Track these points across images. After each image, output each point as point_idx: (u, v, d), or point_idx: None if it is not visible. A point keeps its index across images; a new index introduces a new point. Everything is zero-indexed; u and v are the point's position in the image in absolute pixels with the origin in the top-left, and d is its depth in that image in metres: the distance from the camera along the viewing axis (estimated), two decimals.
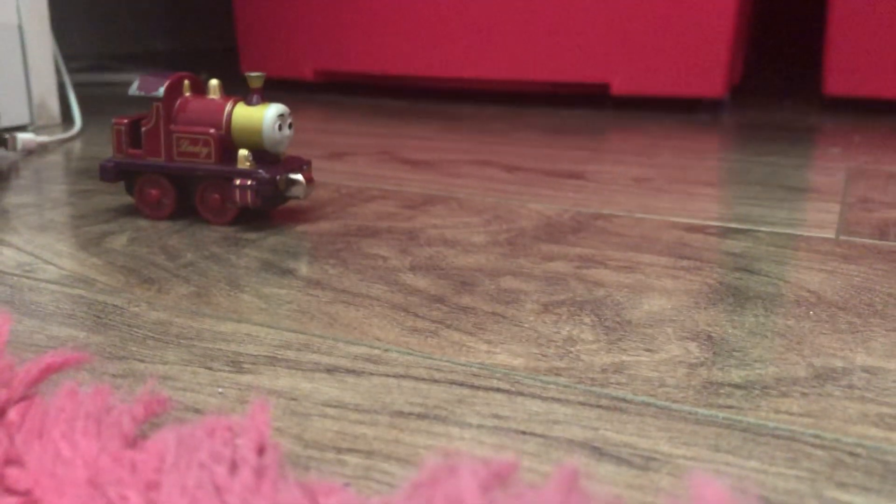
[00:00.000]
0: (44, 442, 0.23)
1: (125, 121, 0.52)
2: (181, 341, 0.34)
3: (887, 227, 0.51)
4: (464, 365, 0.32)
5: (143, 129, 0.52)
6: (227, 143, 0.51)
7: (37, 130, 0.87)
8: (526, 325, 0.36)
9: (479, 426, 0.28)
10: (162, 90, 0.51)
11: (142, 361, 0.32)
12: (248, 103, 0.51)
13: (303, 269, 0.43)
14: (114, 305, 0.38)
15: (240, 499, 0.20)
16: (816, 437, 0.27)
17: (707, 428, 0.27)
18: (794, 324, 0.36)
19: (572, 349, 0.33)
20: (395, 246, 0.47)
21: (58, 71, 0.94)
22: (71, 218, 0.53)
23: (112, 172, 0.53)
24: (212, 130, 0.50)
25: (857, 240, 0.48)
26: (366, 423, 0.28)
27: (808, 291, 0.40)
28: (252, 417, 0.24)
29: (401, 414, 0.28)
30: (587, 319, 0.37)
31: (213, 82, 0.52)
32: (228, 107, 0.51)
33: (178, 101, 0.52)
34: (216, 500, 0.20)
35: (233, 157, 0.51)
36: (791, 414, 0.28)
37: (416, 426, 0.27)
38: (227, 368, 0.32)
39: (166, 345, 0.34)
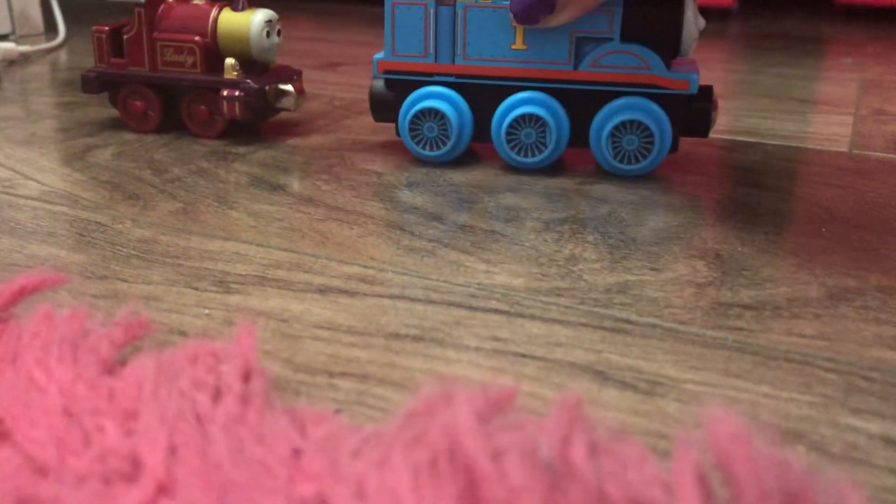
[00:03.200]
0: (16, 368, 0.21)
1: (106, 28, 0.50)
2: (166, 260, 0.33)
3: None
4: (461, 285, 0.31)
5: (125, 37, 0.49)
6: (214, 51, 0.48)
7: (18, 40, 0.83)
8: (526, 244, 0.34)
9: (477, 349, 0.26)
10: None
11: (125, 281, 0.31)
12: (235, 9, 0.48)
13: (294, 184, 0.42)
14: (97, 223, 0.36)
15: (223, 428, 0.19)
16: (830, 360, 0.26)
17: (716, 351, 0.26)
18: (805, 241, 0.35)
19: (574, 268, 0.32)
20: (390, 161, 0.45)
21: None
22: (54, 131, 0.51)
23: (95, 83, 0.50)
24: (197, 38, 0.48)
25: (871, 153, 0.47)
26: (359, 346, 0.26)
27: (821, 208, 0.38)
28: (238, 342, 0.23)
29: (396, 336, 0.27)
30: (590, 237, 0.35)
31: None
32: (214, 13, 0.48)
33: (162, 7, 0.49)
34: (198, 429, 0.19)
35: (220, 67, 0.48)
36: (803, 336, 0.27)
37: (412, 349, 0.26)
38: (214, 288, 0.30)
39: (151, 264, 0.32)
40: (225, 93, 0.47)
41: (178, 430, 0.19)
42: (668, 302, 0.29)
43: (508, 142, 0.43)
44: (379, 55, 0.44)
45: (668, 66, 0.41)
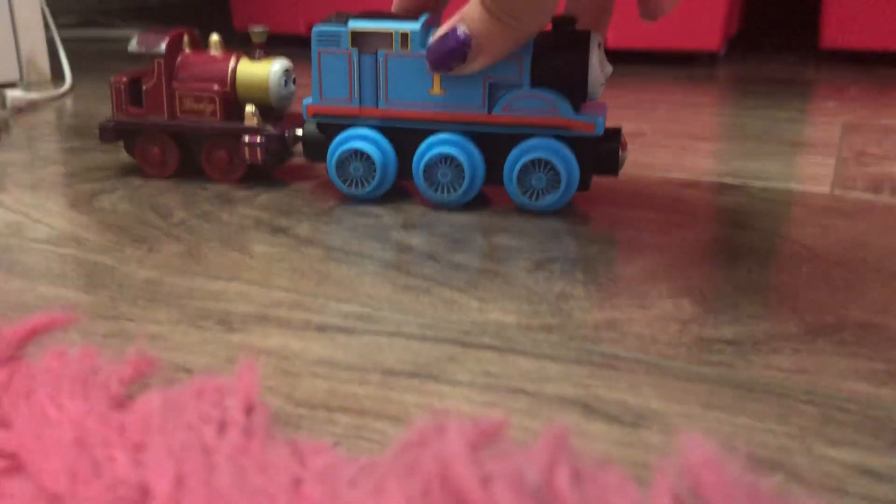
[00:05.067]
0: (30, 404, 0.23)
1: (125, 79, 0.51)
2: (172, 300, 0.34)
3: (882, 181, 0.51)
4: (455, 323, 0.32)
5: (145, 87, 0.50)
6: (232, 99, 0.50)
7: (26, 87, 0.85)
8: (518, 283, 0.36)
9: (470, 384, 0.27)
10: (163, 46, 0.49)
11: (132, 321, 0.32)
12: (252, 58, 0.50)
13: (295, 226, 0.43)
14: (104, 265, 0.38)
15: (227, 459, 0.20)
16: (807, 392, 0.27)
17: (698, 384, 0.27)
18: (787, 279, 0.36)
19: (564, 306, 0.33)
20: (387, 203, 0.47)
21: (47, 27, 0.92)
22: (62, 176, 0.53)
23: (113, 133, 0.51)
24: (216, 87, 0.49)
25: (853, 194, 0.48)
26: (357, 382, 0.28)
27: (803, 246, 0.40)
28: (241, 377, 0.24)
29: (392, 372, 0.28)
30: (580, 276, 0.36)
31: (214, 37, 0.51)
32: (232, 62, 0.50)
33: (180, 58, 0.50)
34: (203, 461, 0.20)
35: (237, 114, 0.50)
36: (782, 370, 0.28)
37: (407, 384, 0.27)
38: (217, 327, 0.31)
39: (157, 304, 0.33)
40: (247, 139, 0.48)
41: (185, 460, 0.20)
42: (653, 338, 0.31)
43: (426, 180, 0.45)
44: (308, 100, 0.47)
45: (576, 109, 0.43)
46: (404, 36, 0.44)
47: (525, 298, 0.34)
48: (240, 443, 0.21)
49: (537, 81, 0.43)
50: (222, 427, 0.22)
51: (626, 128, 0.66)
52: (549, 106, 0.43)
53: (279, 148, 0.49)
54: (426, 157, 0.45)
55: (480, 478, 0.18)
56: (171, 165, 0.51)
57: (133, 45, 0.50)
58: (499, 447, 0.21)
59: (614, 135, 0.45)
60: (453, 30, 0.41)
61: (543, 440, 0.20)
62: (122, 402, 0.24)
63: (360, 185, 0.46)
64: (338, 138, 0.46)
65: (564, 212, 0.45)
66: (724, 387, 0.27)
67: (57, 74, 0.91)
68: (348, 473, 0.20)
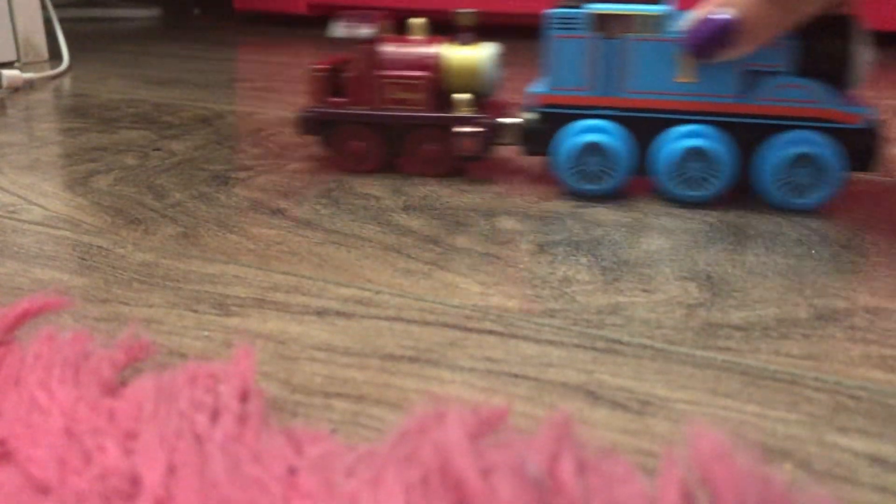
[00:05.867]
0: (19, 390, 0.22)
1: (326, 66, 0.48)
2: (167, 283, 0.33)
3: (892, 162, 0.50)
4: (457, 307, 0.31)
5: (347, 74, 0.47)
6: (439, 87, 0.47)
7: (23, 67, 0.84)
8: (521, 266, 0.35)
9: (471, 369, 0.27)
10: (373, 31, 0.46)
11: (126, 304, 0.31)
12: (463, 43, 0.47)
13: (293, 209, 0.42)
14: (99, 247, 0.37)
15: (220, 448, 0.20)
16: (817, 379, 0.26)
17: (705, 371, 0.27)
18: (795, 263, 0.35)
19: (568, 290, 0.33)
20: (388, 185, 0.46)
21: (44, 6, 0.91)
22: (57, 157, 0.52)
23: (314, 124, 0.48)
24: (424, 74, 0.46)
25: (862, 176, 0.47)
26: (355, 367, 0.27)
27: (811, 230, 0.39)
28: (236, 363, 0.24)
29: (391, 357, 0.28)
30: (583, 259, 0.36)
31: (418, 21, 0.48)
32: (438, 48, 0.47)
33: (382, 44, 0.47)
34: (196, 449, 0.19)
35: (444, 103, 0.46)
36: (791, 356, 0.28)
37: (407, 370, 0.27)
38: (213, 311, 0.31)
39: (152, 287, 0.33)
40: (464, 129, 0.45)
41: (177, 449, 0.20)
42: (659, 323, 0.30)
43: (677, 176, 0.42)
44: (534, 88, 0.44)
45: (839, 99, 0.40)
46: (650, 19, 0.41)
47: (528, 282, 0.33)
48: (233, 430, 0.21)
49: (800, 68, 0.40)
50: (216, 414, 0.21)
51: None
52: (812, 95, 0.40)
53: (494, 137, 0.46)
54: (674, 151, 0.41)
55: (481, 468, 0.18)
56: (375, 159, 0.48)
57: (339, 31, 0.46)
58: (500, 435, 0.20)
59: (877, 127, 0.41)
60: (718, 12, 0.38)
61: (546, 428, 0.20)
62: (113, 389, 0.23)
63: (595, 180, 0.43)
64: (569, 129, 0.43)
65: (567, 194, 0.44)
66: (732, 373, 0.27)
67: (54, 54, 0.90)
68: (345, 462, 0.20)
